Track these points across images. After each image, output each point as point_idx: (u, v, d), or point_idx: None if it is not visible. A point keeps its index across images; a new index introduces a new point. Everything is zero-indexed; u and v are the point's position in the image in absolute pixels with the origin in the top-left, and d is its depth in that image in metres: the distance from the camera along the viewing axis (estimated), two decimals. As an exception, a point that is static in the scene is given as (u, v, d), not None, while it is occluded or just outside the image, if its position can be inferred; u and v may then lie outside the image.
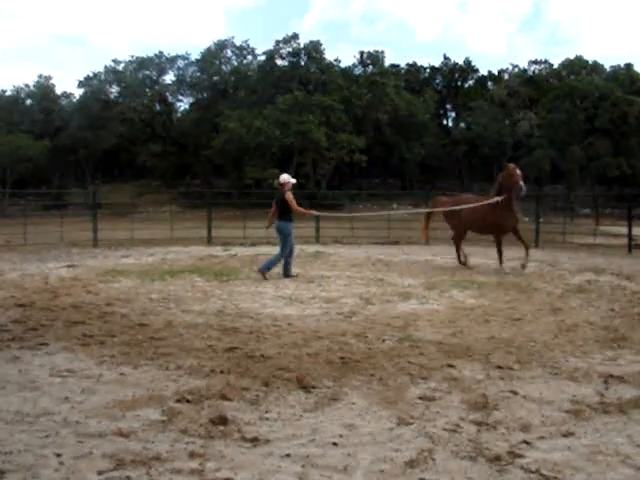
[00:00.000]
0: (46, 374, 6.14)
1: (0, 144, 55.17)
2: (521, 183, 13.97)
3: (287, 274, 13.30)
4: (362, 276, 13.55)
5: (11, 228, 24.18)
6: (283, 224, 13.38)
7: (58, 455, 4.26)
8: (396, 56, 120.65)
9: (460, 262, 15.56)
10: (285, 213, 13.39)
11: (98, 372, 6.21)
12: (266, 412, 5.17)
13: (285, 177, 13.73)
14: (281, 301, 10.51)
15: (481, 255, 18.32)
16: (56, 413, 5.06)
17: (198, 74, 66.18)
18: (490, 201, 14.44)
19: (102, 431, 4.69)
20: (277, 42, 63.53)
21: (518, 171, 14.21)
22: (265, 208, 16.65)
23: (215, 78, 65.08)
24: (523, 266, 14.34)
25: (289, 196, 13.30)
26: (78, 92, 68.52)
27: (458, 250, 15.78)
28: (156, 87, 66.85)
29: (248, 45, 66.08)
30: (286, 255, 13.42)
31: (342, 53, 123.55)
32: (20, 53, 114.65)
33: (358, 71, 67.61)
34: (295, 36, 63.42)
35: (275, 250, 14.11)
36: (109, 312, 9.25)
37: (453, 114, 76.03)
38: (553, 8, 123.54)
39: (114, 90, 66.42)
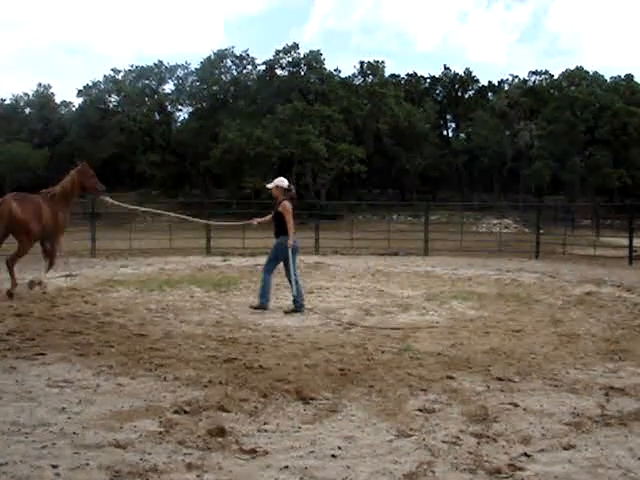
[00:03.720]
0: (43, 384, 6.09)
1: (-1, 153, 55.29)
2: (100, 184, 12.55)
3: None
4: (361, 287, 13.54)
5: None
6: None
7: (54, 466, 4.21)
8: (396, 66, 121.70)
9: None
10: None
11: (95, 383, 6.17)
12: (264, 424, 5.13)
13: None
14: (280, 312, 10.47)
15: (480, 266, 18.33)
16: (53, 424, 5.01)
17: (198, 84, 66.47)
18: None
19: (99, 442, 4.64)
20: (277, 52, 63.93)
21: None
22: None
23: (215, 88, 65.33)
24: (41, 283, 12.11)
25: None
26: (77, 101, 68.96)
27: None
28: (155, 96, 67.08)
29: (248, 55, 66.47)
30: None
31: (342, 63, 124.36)
32: (20, 62, 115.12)
33: (358, 81, 67.93)
34: (295, 46, 63.77)
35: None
36: (107, 322, 9.22)
37: (453, 124, 76.47)
38: (553, 19, 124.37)
39: (113, 99, 66.67)
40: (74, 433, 4.83)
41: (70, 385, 6.09)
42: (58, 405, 5.48)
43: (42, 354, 7.23)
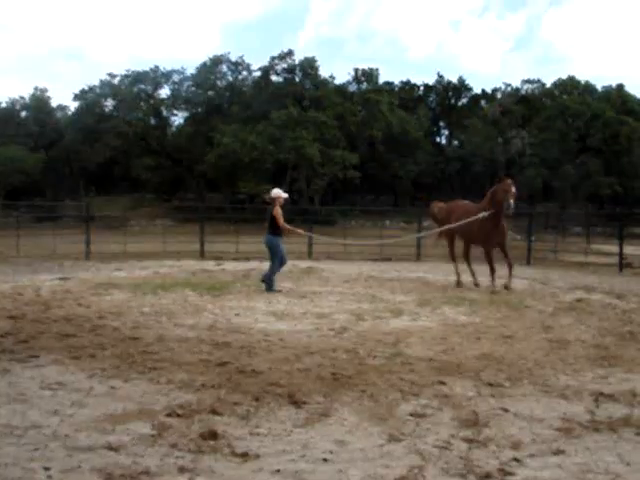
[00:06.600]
0: (36, 387, 6.11)
1: (-5, 156, 55.12)
2: (511, 200, 13.71)
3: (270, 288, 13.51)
4: (354, 292, 13.56)
5: (4, 239, 24.08)
6: (270, 238, 13.75)
7: (47, 469, 4.23)
8: (390, 74, 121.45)
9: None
10: (273, 227, 13.72)
11: (88, 385, 6.18)
12: (256, 427, 5.15)
13: (276, 192, 14.09)
14: (273, 316, 10.49)
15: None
16: (45, 426, 5.03)
17: (193, 89, 66.31)
18: (477, 216, 14.42)
19: (91, 445, 4.66)
20: (272, 58, 63.91)
21: (513, 188, 13.91)
22: (258, 223, 16.94)
23: (210, 93, 65.27)
24: (506, 287, 14.21)
25: (277, 211, 13.67)
26: (73, 105, 68.60)
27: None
28: (151, 101, 66.90)
29: (243, 61, 66.37)
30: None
31: (337, 70, 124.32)
32: (16, 65, 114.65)
33: (352, 88, 67.96)
34: (290, 52, 63.81)
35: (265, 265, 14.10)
36: (100, 325, 9.22)
37: (446, 132, 76.44)
38: (546, 28, 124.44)
39: (109, 104, 66.46)
40: (67, 435, 4.85)
41: (63, 387, 6.10)
42: (51, 407, 5.50)
43: (35, 356, 7.25)
